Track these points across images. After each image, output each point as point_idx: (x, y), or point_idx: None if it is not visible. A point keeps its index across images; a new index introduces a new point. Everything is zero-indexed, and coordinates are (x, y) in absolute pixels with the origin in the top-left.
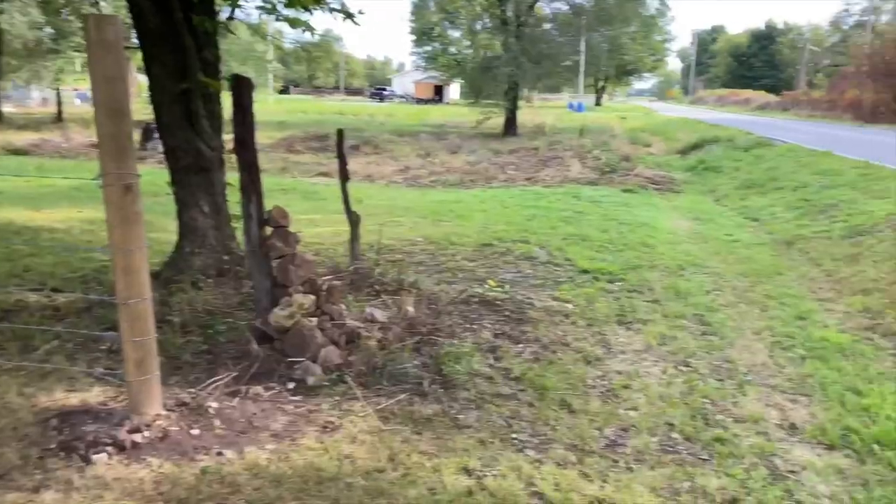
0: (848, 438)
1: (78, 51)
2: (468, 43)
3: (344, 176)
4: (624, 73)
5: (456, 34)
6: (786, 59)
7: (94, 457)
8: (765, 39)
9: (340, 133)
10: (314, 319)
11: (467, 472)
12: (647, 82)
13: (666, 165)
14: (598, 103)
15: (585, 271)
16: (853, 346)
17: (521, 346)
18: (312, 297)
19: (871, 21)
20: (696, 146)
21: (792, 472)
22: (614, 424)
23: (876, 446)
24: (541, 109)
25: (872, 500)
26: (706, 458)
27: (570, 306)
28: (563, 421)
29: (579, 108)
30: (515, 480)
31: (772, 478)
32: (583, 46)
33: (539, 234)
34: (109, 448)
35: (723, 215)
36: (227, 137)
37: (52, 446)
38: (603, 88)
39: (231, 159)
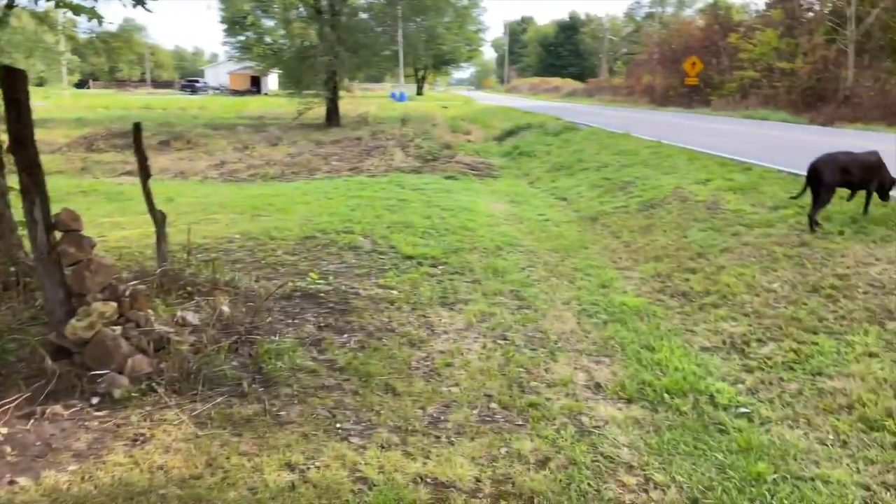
0: (643, 391)
1: None
2: (283, 32)
3: (145, 173)
4: (442, 62)
5: (270, 23)
6: (589, 48)
7: None
8: (569, 30)
9: (137, 127)
10: (118, 328)
11: (290, 467)
12: (465, 72)
13: (484, 152)
14: (419, 93)
15: (409, 257)
16: (647, 307)
17: (345, 336)
18: (114, 304)
19: (660, 12)
20: (511, 133)
21: (597, 427)
22: (437, 402)
23: (666, 395)
24: (363, 99)
25: (663, 443)
26: (521, 423)
27: (394, 293)
28: (387, 405)
29: (401, 98)
30: (340, 469)
31: (579, 435)
32: (400, 37)
33: (363, 224)
34: None
35: (536, 197)
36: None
37: None
38: (423, 78)
39: (10, 161)
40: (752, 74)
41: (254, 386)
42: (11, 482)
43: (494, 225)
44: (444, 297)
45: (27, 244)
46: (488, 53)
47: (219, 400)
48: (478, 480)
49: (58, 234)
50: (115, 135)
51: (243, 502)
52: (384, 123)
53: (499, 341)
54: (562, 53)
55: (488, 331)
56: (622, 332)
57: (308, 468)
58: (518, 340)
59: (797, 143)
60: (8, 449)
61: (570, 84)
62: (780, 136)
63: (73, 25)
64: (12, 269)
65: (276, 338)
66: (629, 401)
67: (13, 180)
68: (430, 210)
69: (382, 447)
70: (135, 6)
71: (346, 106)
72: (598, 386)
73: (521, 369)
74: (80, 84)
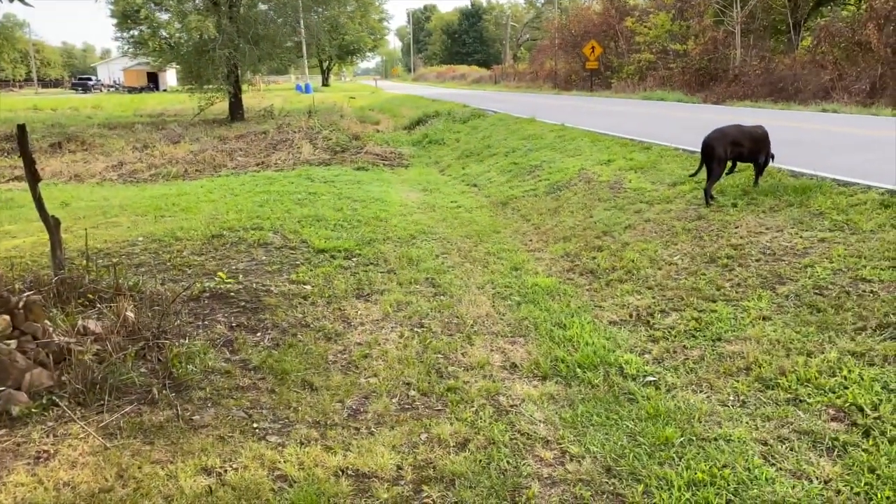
0: (557, 367)
1: None
2: (179, 25)
3: (33, 176)
4: (347, 52)
5: (165, 16)
6: (492, 35)
7: None
8: (473, 17)
9: (21, 128)
10: (12, 342)
11: (206, 471)
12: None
13: (394, 141)
14: (325, 84)
15: (322, 251)
16: (558, 287)
17: (258, 334)
18: (6, 317)
19: None
20: (419, 121)
21: (513, 406)
22: (356, 394)
23: (579, 370)
24: (268, 92)
25: (577, 416)
26: (441, 408)
27: (308, 287)
28: (305, 401)
29: (307, 90)
30: (258, 469)
31: (497, 414)
32: (301, 27)
33: (273, 219)
34: None
35: (447, 184)
36: None
37: None
38: (329, 69)
39: None
40: (649, 57)
41: (164, 392)
42: None
43: (407, 214)
44: (360, 289)
45: None
46: (393, 42)
47: (128, 409)
48: (399, 468)
49: None
50: (1, 139)
51: None
52: (290, 116)
53: (416, 329)
54: (466, 41)
55: (405, 319)
56: (535, 312)
57: (225, 471)
58: (435, 327)
59: (692, 122)
60: None
61: (476, 71)
62: (676, 115)
63: None
64: None
65: (186, 341)
66: (544, 378)
67: None
68: (341, 202)
69: (301, 443)
70: (11, 1)
71: (250, 100)
72: (513, 366)
73: (438, 355)
74: None
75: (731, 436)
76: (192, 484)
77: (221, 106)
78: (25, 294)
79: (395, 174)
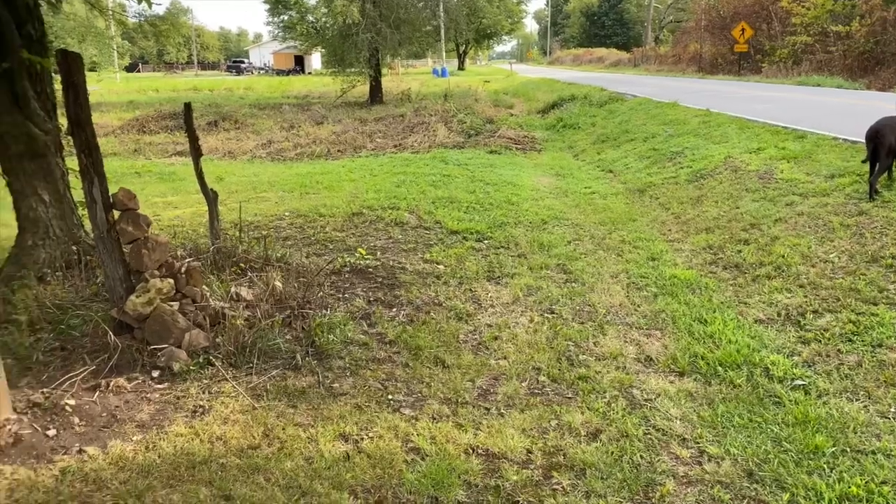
0: (696, 364)
1: None
2: (325, 10)
3: (196, 152)
4: (484, 36)
5: (312, 1)
6: (633, 16)
7: None
8: None
9: (188, 107)
10: (175, 304)
11: (344, 437)
12: (507, 45)
13: (527, 125)
14: (461, 68)
15: (455, 232)
16: (699, 280)
17: (394, 310)
18: (171, 280)
19: None
20: (554, 105)
21: (648, 400)
22: (486, 375)
23: (720, 368)
24: (406, 76)
25: (717, 415)
26: (571, 396)
27: (441, 267)
28: (437, 377)
29: (443, 74)
30: (392, 439)
31: (630, 407)
32: (441, 11)
33: (408, 200)
34: None
35: (581, 169)
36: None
37: None
38: (465, 53)
39: (69, 143)
40: (806, 39)
41: (307, 359)
42: (80, 451)
43: (539, 199)
44: (490, 272)
45: (87, 224)
46: (530, 26)
47: (273, 373)
48: (529, 452)
49: (116, 214)
50: (165, 116)
51: (300, 472)
52: (427, 100)
53: (546, 315)
54: (605, 23)
55: (535, 304)
56: (673, 305)
57: (362, 438)
58: (566, 314)
59: (854, 109)
60: (76, 420)
61: (614, 54)
62: (835, 102)
63: (122, 10)
64: (74, 247)
65: (328, 312)
66: (681, 374)
67: (71, 163)
68: (474, 185)
69: (434, 418)
70: None
71: (388, 83)
72: (648, 359)
73: (569, 342)
74: (131, 68)
75: (891, 450)
76: (330, 448)
77: (362, 89)
78: (187, 260)
79: (528, 158)
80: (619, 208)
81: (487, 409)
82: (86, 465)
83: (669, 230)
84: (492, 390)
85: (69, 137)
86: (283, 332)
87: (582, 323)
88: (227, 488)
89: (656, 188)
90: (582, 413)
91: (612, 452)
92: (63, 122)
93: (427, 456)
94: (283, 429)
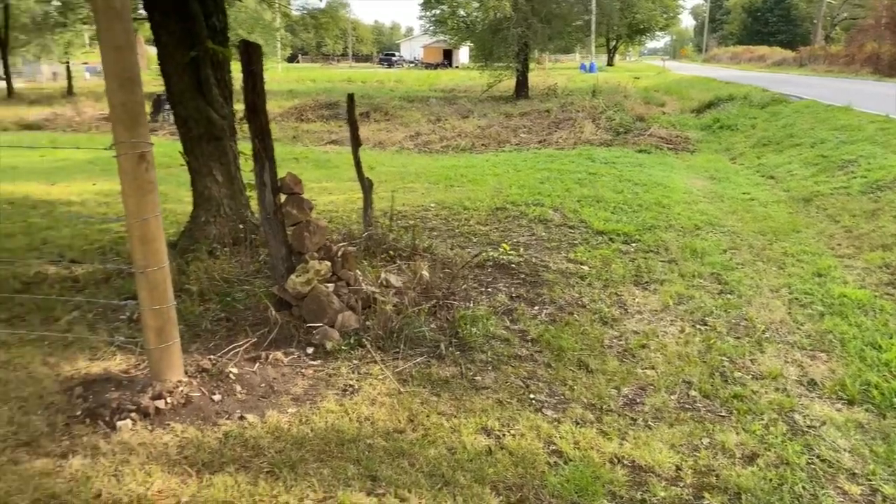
0: (868, 393)
1: (86, 23)
2: (477, 5)
3: (356, 142)
4: (636, 31)
5: None
6: (802, 13)
7: (119, 423)
8: None
9: (351, 98)
10: (330, 285)
11: (486, 431)
12: (659, 41)
13: (680, 125)
14: (610, 63)
15: (601, 233)
16: (873, 301)
17: (536, 308)
18: (328, 263)
19: None
20: (710, 104)
21: (811, 427)
22: (632, 383)
23: None
24: (552, 71)
25: (893, 452)
26: (725, 414)
27: (585, 268)
28: (580, 381)
29: (591, 69)
30: (534, 439)
31: (791, 433)
32: (593, 5)
33: (553, 197)
34: (133, 414)
35: (738, 174)
36: (239, 107)
37: (78, 413)
38: (615, 48)
39: (242, 128)
40: None
41: (450, 349)
42: (241, 417)
43: (692, 202)
44: (638, 276)
45: (253, 204)
46: (686, 21)
47: (418, 359)
48: (678, 469)
49: (282, 197)
50: (321, 106)
51: (443, 461)
52: (573, 95)
53: (698, 326)
54: (770, 20)
55: (686, 314)
56: (842, 326)
57: (503, 435)
58: (720, 327)
59: None
60: (238, 387)
61: (777, 53)
62: None
63: (287, 3)
64: (240, 226)
65: (471, 305)
66: (850, 402)
67: (242, 146)
68: (621, 185)
69: (577, 423)
70: None
71: (534, 78)
72: (812, 383)
73: (723, 358)
74: (291, 58)
75: None
76: (472, 441)
77: (508, 83)
78: (342, 244)
79: (680, 159)
80: (781, 217)
81: (634, 420)
82: (246, 431)
83: (839, 244)
84: (638, 400)
85: (241, 123)
86: (428, 320)
87: (738, 338)
88: (373, 468)
89: (824, 198)
90: (737, 434)
91: (771, 479)
92: (237, 108)
93: (570, 460)
94: (427, 416)
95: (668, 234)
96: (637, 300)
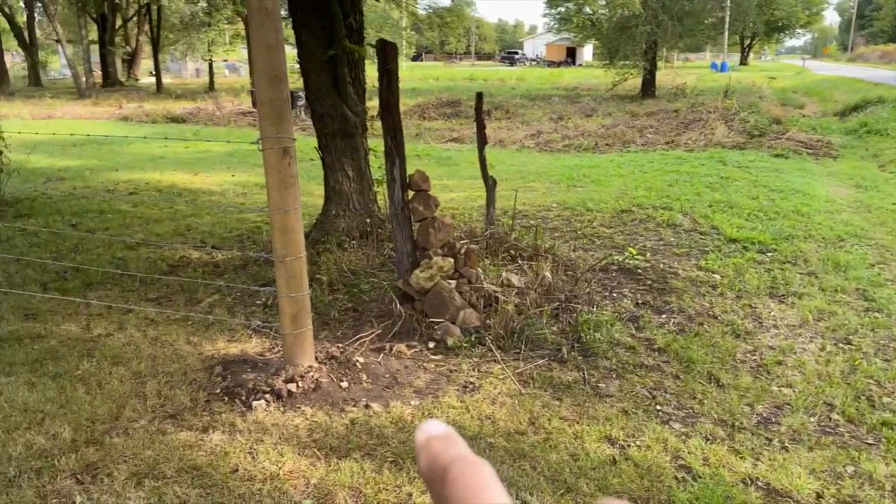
0: None
1: (230, 23)
2: (604, 2)
3: (482, 140)
4: (774, 29)
5: None
6: None
7: (254, 403)
8: None
9: (479, 97)
10: (453, 282)
11: (610, 441)
12: (799, 39)
13: (821, 128)
14: (743, 62)
15: (734, 240)
16: None
17: (664, 316)
18: (451, 259)
19: None
20: (856, 107)
21: None
22: (767, 401)
23: None
24: (681, 70)
25: None
26: (872, 442)
27: (717, 277)
28: (710, 395)
29: (723, 68)
30: (661, 453)
31: None
32: (728, 2)
33: (682, 201)
34: (267, 396)
35: (888, 182)
36: (370, 105)
37: (217, 391)
38: (749, 46)
39: (373, 126)
40: None
41: (573, 354)
42: (367, 406)
43: (834, 212)
44: (774, 288)
45: (380, 199)
46: (830, 18)
47: (539, 362)
48: (819, 497)
49: (410, 193)
50: (443, 104)
51: (565, 466)
52: (703, 95)
53: (841, 345)
54: None
55: (827, 331)
56: None
57: (628, 445)
58: (866, 347)
59: None
60: (364, 376)
61: None
62: None
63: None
64: (367, 220)
65: (595, 309)
66: None
67: (371, 143)
68: (756, 190)
69: (707, 439)
70: None
71: (662, 77)
72: None
73: (870, 381)
74: (415, 57)
75: None
76: (595, 448)
77: (633, 82)
78: (465, 242)
79: (821, 165)
80: None
81: (769, 440)
82: (371, 419)
83: None
84: (773, 419)
85: (372, 120)
86: (550, 322)
87: (887, 360)
88: (494, 467)
89: None
90: (887, 464)
91: None
92: (369, 105)
93: (699, 477)
94: (549, 420)
95: (807, 245)
96: (773, 313)
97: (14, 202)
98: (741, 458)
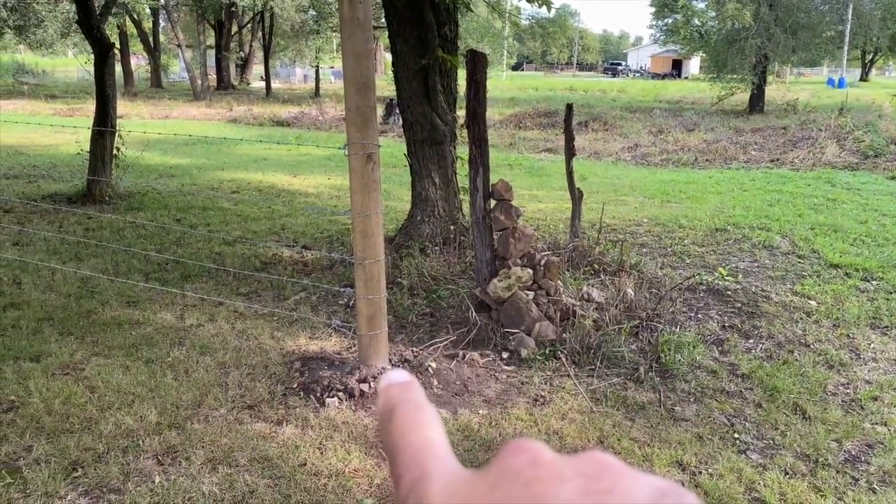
0: None
1: (335, 31)
2: (714, 13)
3: (570, 152)
4: None
5: (701, 5)
6: None
7: (328, 400)
8: None
9: (570, 108)
10: (530, 293)
11: (681, 466)
12: None
13: None
14: (864, 78)
15: (835, 266)
16: None
17: (751, 341)
18: (530, 270)
19: None
20: None
21: None
22: (857, 438)
23: None
24: (794, 85)
25: None
26: None
27: (813, 303)
28: (794, 427)
29: (840, 84)
30: (734, 483)
31: None
32: (849, 14)
33: (782, 222)
34: (341, 394)
35: None
36: (460, 113)
37: (294, 386)
38: (872, 62)
39: (462, 134)
40: None
41: (650, 374)
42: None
43: None
44: (877, 318)
45: (465, 207)
46: None
47: (614, 380)
48: None
49: (492, 202)
50: (540, 114)
51: None
52: (816, 112)
53: None
54: None
55: None
56: None
57: (700, 472)
58: None
59: None
60: (435, 381)
61: None
62: None
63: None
64: (451, 227)
65: (678, 330)
66: None
67: (459, 151)
68: (865, 214)
69: (786, 473)
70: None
71: (772, 92)
72: None
73: None
74: (516, 67)
75: None
76: (664, 473)
77: (741, 97)
78: (546, 254)
79: None
80: None
81: (855, 479)
82: None
83: None
84: (862, 458)
85: (461, 129)
86: (629, 340)
87: None
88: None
89: None
90: None
91: None
92: (459, 114)
93: None
94: (619, 440)
95: None
96: (872, 345)
97: (127, 196)
98: (822, 496)
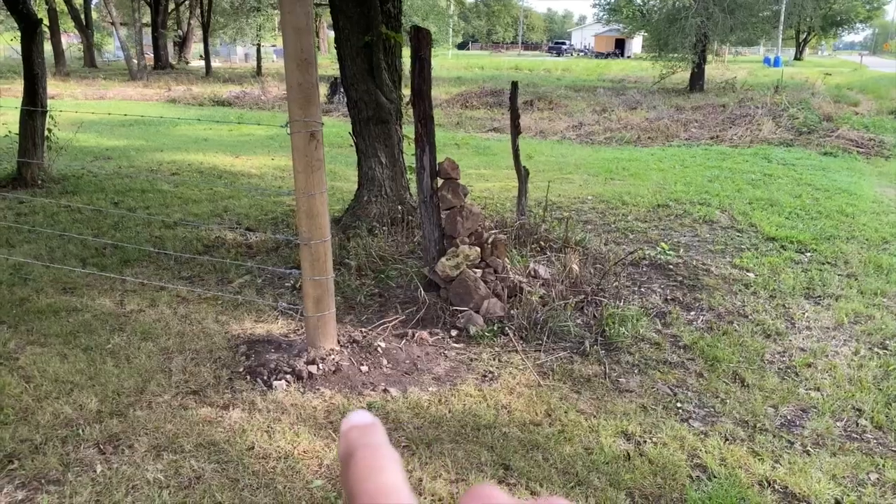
0: None
1: (276, 8)
2: None
3: (515, 130)
4: (832, 24)
5: None
6: None
7: (275, 383)
8: None
9: (514, 86)
10: (478, 271)
11: (626, 436)
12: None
13: (875, 127)
14: (797, 58)
15: (772, 239)
16: None
17: (692, 313)
18: (478, 249)
19: None
20: None
21: None
22: (792, 404)
23: None
24: (732, 64)
25: None
26: None
27: (751, 275)
28: (734, 395)
29: (776, 63)
30: (677, 450)
31: None
32: None
33: (721, 197)
34: (288, 376)
35: None
36: (406, 92)
37: (240, 370)
38: (805, 41)
39: (408, 112)
40: None
41: (595, 347)
42: (385, 391)
43: (881, 213)
44: (810, 289)
45: (412, 187)
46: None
47: (561, 354)
48: (838, 503)
49: (439, 181)
50: (486, 93)
51: (578, 460)
52: (753, 90)
53: (876, 349)
54: None
55: (863, 335)
56: None
57: (644, 441)
58: None
59: None
60: (384, 361)
61: None
62: None
63: None
64: (399, 207)
65: (622, 304)
66: None
67: (405, 130)
68: (800, 188)
69: (726, 439)
70: None
71: (712, 71)
72: None
73: None
74: (462, 46)
75: None
76: (610, 443)
77: (681, 76)
78: (493, 232)
79: (871, 164)
80: None
81: (790, 443)
82: (388, 404)
83: None
84: (797, 422)
85: (407, 107)
86: (574, 315)
87: None
88: (506, 457)
89: None
90: None
91: None
92: (405, 92)
93: (714, 477)
94: (566, 412)
95: (849, 246)
96: (807, 315)
97: (61, 179)
98: (760, 459)
